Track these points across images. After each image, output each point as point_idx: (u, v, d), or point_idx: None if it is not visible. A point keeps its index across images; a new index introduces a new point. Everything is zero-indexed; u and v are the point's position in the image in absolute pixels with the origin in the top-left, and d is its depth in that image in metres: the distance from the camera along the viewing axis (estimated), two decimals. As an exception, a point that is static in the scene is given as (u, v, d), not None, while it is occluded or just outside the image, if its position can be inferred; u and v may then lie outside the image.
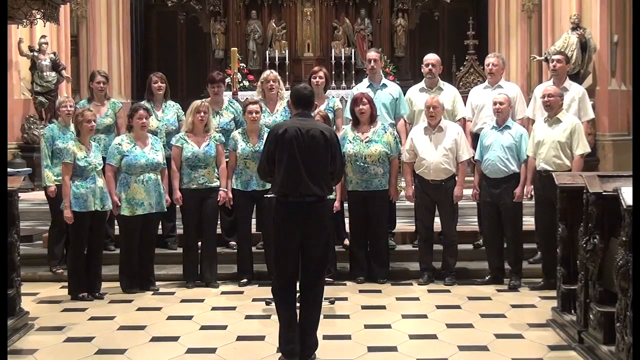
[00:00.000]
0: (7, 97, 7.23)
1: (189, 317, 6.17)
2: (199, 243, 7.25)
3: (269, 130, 5.62)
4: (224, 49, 14.84)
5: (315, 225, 4.97)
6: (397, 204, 7.59)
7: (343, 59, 14.48)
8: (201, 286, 7.13)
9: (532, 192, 6.99)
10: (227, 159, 7.28)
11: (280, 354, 4.98)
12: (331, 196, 7.06)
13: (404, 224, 8.11)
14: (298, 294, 5.05)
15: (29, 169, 7.94)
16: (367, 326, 5.89)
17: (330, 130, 5.22)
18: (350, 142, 7.19)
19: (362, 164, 7.13)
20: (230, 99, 8.30)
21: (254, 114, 7.13)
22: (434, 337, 5.63)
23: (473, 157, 7.25)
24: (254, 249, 7.43)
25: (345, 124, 7.66)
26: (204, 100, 7.47)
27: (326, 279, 6.98)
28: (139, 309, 6.48)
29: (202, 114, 7.15)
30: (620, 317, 4.58)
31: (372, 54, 7.96)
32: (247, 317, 6.20)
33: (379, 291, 6.97)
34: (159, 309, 6.46)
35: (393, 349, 5.34)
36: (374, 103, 7.29)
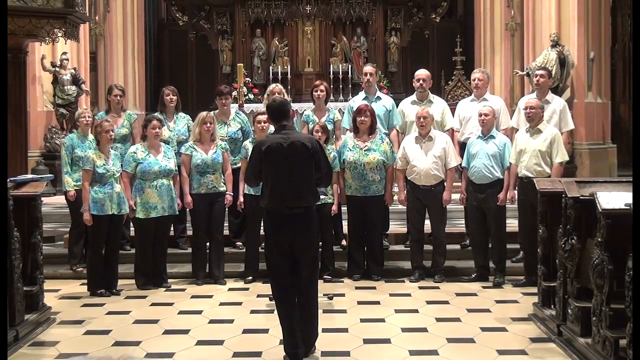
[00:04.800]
0: (13, 106, 7.18)
1: (199, 312, 6.18)
2: (208, 243, 7.26)
3: None
4: (231, 65, 14.88)
5: (304, 233, 4.92)
6: (390, 207, 7.60)
7: (340, 73, 14.51)
8: (210, 283, 7.12)
9: (516, 197, 7.01)
10: (239, 166, 7.29)
11: (284, 354, 4.92)
12: (329, 200, 7.11)
13: (396, 226, 8.11)
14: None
15: (51, 175, 7.89)
16: (362, 320, 5.90)
17: (312, 140, 5.09)
18: (350, 149, 7.19)
19: (361, 170, 7.13)
20: (237, 110, 8.30)
21: (262, 124, 7.11)
22: (424, 330, 5.64)
23: (460, 164, 7.26)
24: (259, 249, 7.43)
25: (343, 134, 7.67)
26: (210, 112, 7.49)
27: (325, 276, 7.04)
28: (153, 304, 6.49)
29: (208, 124, 7.16)
30: (596, 311, 4.59)
31: (368, 67, 7.97)
32: (253, 311, 6.20)
33: (374, 288, 6.96)
34: (171, 304, 6.46)
35: (386, 341, 5.35)
36: (375, 116, 7.29)
